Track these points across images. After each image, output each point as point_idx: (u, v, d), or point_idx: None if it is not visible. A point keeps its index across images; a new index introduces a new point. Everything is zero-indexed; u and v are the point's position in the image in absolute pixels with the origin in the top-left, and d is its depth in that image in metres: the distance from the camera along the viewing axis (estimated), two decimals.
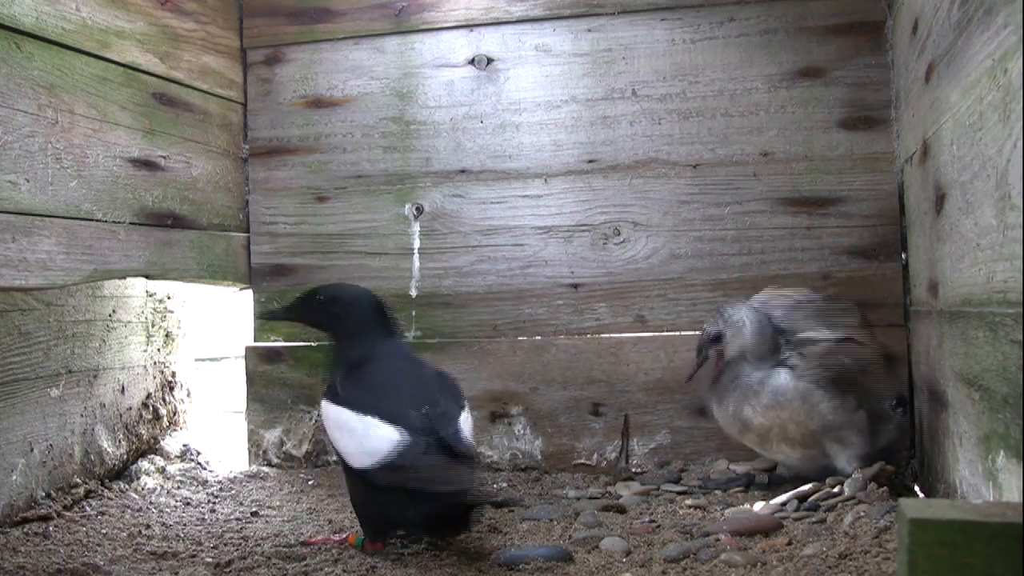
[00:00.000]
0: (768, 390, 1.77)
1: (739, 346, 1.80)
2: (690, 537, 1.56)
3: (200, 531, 1.75)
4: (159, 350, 2.28)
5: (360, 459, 1.49)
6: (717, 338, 1.82)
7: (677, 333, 2.15)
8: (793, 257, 2.10)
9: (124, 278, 2.04)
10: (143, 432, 2.19)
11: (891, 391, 1.84)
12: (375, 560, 1.51)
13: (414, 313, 2.28)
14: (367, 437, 1.48)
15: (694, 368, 1.88)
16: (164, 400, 2.29)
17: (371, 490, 1.51)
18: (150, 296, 2.25)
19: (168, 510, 1.91)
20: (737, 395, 1.80)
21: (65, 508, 1.82)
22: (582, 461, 2.17)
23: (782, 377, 1.77)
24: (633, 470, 2.11)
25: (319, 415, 2.27)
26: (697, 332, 2.12)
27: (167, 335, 2.32)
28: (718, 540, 1.51)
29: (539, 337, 2.22)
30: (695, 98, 2.15)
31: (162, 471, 2.15)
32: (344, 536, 1.64)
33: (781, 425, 1.76)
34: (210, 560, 1.54)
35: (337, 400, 1.55)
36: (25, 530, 1.68)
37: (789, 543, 1.46)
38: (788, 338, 1.80)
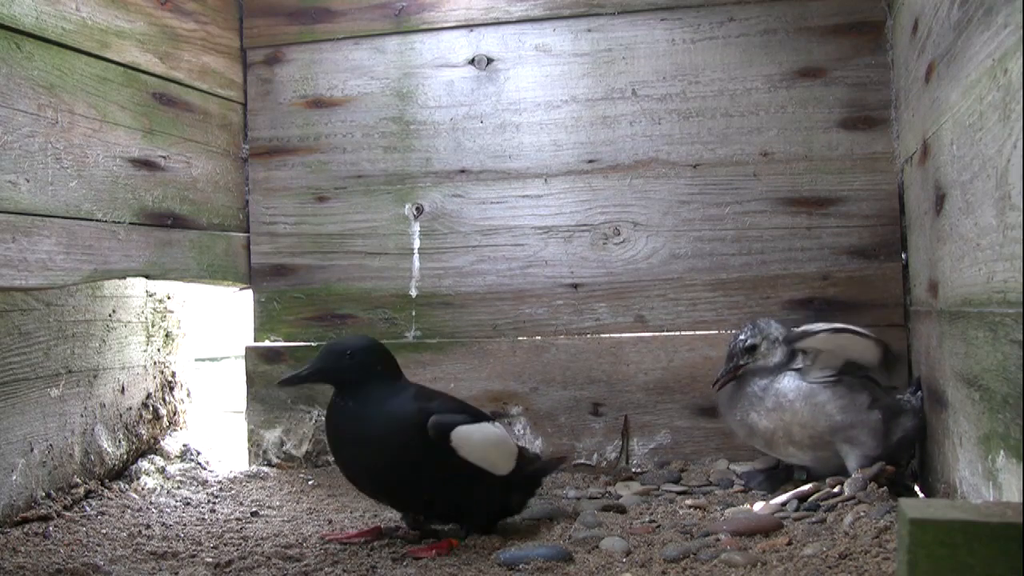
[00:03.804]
0: (771, 394, 1.77)
1: (771, 360, 1.80)
2: (690, 537, 1.56)
3: (200, 531, 1.75)
4: (159, 350, 2.28)
5: (505, 466, 1.62)
6: (751, 349, 1.82)
7: (677, 333, 2.15)
8: (793, 257, 2.10)
9: (124, 278, 2.04)
10: (143, 432, 2.19)
11: (894, 378, 1.84)
12: (375, 560, 1.51)
13: (414, 313, 2.28)
14: (508, 443, 1.66)
15: (724, 376, 1.85)
16: (164, 400, 2.29)
17: (502, 491, 1.64)
18: (150, 296, 2.25)
19: (168, 510, 1.91)
20: (744, 402, 1.81)
21: (65, 508, 1.82)
22: (582, 461, 2.17)
23: (786, 380, 1.77)
24: (633, 470, 2.11)
25: (319, 416, 2.27)
26: (697, 332, 2.13)
27: (167, 335, 2.32)
28: (718, 540, 1.51)
29: (539, 337, 2.22)
30: (695, 98, 2.15)
31: (162, 471, 2.15)
32: (440, 542, 1.57)
33: (785, 428, 1.76)
34: (210, 560, 1.54)
35: (466, 420, 1.58)
36: (25, 530, 1.68)
37: (789, 543, 1.46)
38: (791, 339, 1.80)
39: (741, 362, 1.82)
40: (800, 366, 1.78)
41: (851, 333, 1.74)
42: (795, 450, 1.79)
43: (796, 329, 1.79)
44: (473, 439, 1.57)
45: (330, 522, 1.80)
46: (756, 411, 1.79)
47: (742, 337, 1.82)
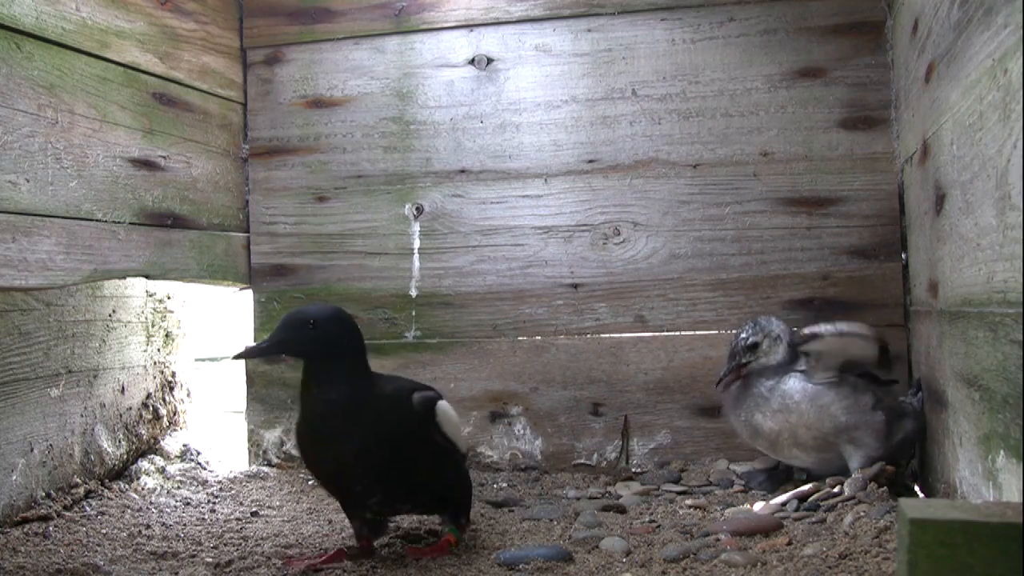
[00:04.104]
0: (777, 395, 1.77)
1: (773, 358, 1.80)
2: (690, 537, 1.56)
3: (200, 531, 1.75)
4: (159, 350, 2.28)
5: (464, 443, 1.63)
6: (753, 347, 1.81)
7: (677, 333, 2.15)
8: (793, 257, 2.10)
9: (124, 278, 2.04)
10: (143, 432, 2.19)
11: (892, 374, 1.84)
12: (375, 560, 1.51)
13: (414, 313, 2.28)
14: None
15: (728, 376, 1.84)
16: (164, 400, 2.29)
17: (466, 472, 1.65)
18: (150, 296, 2.25)
19: (168, 510, 1.91)
20: (749, 403, 1.81)
21: (65, 508, 1.82)
22: (582, 461, 2.17)
23: (791, 382, 1.77)
24: (633, 470, 2.11)
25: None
26: (697, 332, 2.13)
27: (167, 335, 2.32)
28: (718, 540, 1.51)
29: (539, 337, 2.22)
30: (695, 98, 2.15)
31: (162, 471, 2.15)
32: (440, 542, 1.55)
33: (791, 430, 1.76)
34: (210, 560, 1.54)
35: (438, 395, 1.57)
36: (25, 530, 1.68)
37: (789, 543, 1.46)
38: (797, 342, 1.80)
39: (743, 360, 1.82)
40: (804, 368, 1.78)
41: (854, 336, 1.74)
42: (799, 452, 1.79)
43: (802, 331, 1.78)
44: (450, 414, 1.57)
45: (330, 522, 1.80)
46: (761, 412, 1.79)
47: (743, 335, 1.82)
